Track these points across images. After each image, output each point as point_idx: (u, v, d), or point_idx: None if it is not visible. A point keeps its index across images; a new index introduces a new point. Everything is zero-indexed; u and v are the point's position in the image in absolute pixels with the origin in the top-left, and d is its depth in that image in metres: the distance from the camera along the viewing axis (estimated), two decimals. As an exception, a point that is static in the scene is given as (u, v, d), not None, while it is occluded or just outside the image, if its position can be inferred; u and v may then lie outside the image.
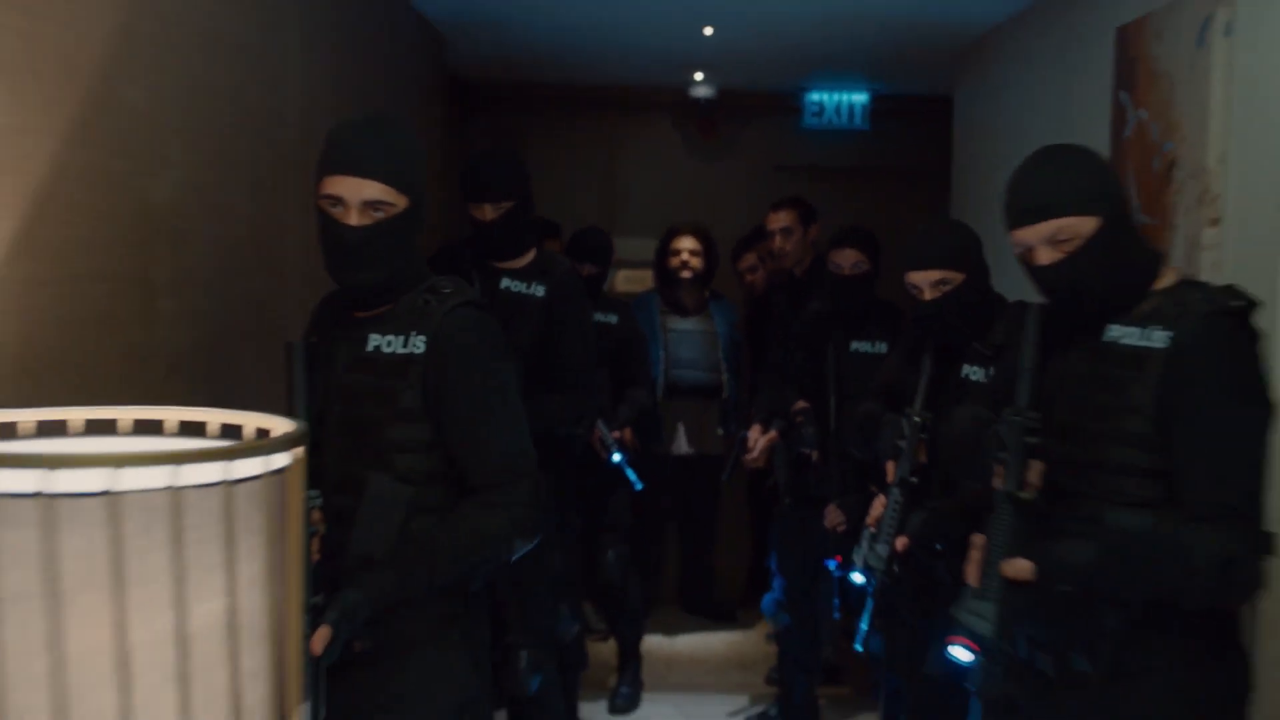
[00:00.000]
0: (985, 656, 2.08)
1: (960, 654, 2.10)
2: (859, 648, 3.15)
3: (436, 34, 5.69)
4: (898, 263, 3.08)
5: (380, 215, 2.18)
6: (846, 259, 4.03)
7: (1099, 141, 3.94)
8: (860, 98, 7.35)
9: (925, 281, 2.97)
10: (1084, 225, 2.12)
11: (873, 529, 3.03)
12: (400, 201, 2.19)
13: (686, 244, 5.49)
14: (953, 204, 5.96)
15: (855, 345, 4.04)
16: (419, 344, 2.21)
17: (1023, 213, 2.16)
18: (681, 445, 5.63)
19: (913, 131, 7.41)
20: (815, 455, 4.26)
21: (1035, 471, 2.14)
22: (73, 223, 2.18)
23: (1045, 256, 2.15)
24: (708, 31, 5.71)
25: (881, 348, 3.98)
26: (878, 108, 7.40)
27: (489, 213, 3.43)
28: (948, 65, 6.08)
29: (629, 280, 7.17)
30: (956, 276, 2.96)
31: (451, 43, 5.91)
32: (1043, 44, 4.78)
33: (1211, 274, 3.15)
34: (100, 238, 2.29)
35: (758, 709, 4.95)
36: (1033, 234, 2.15)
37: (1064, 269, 2.14)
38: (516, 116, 7.57)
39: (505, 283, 3.48)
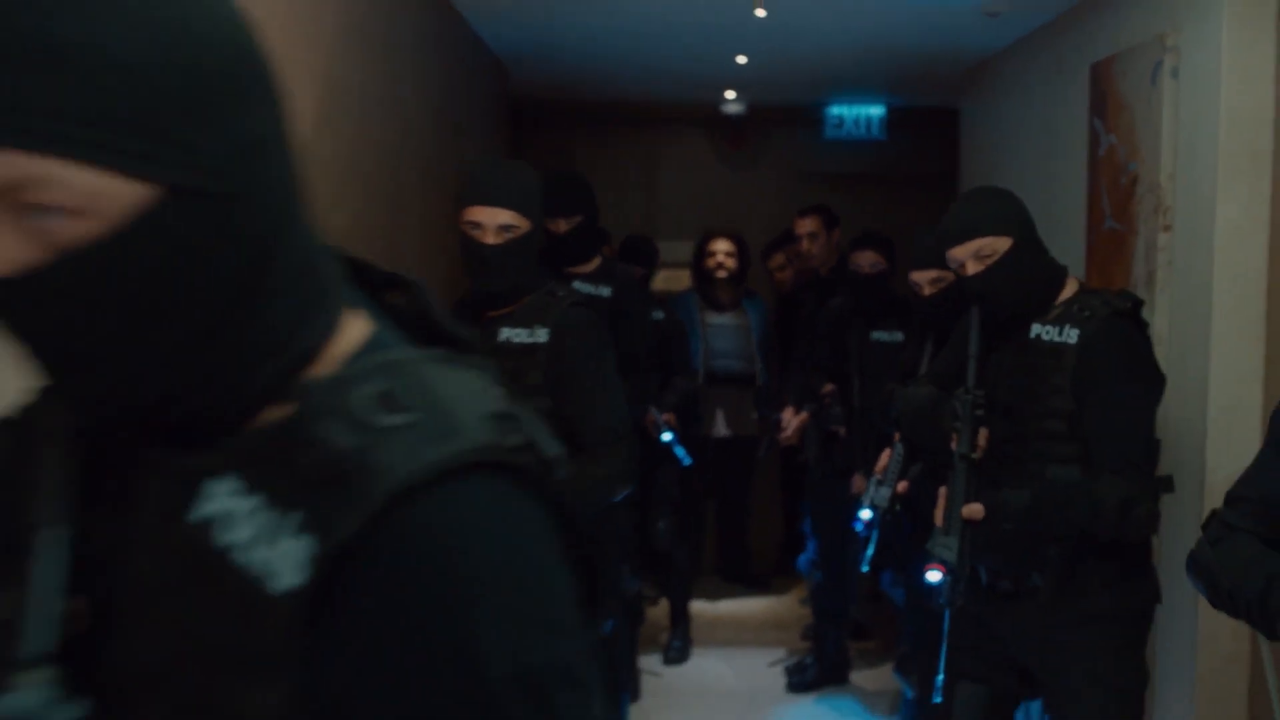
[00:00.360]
0: (950, 576, 2.69)
1: (933, 576, 2.73)
2: (865, 568, 3.78)
3: (500, 64, 6.34)
4: (936, 245, 3.02)
5: (510, 236, 2.81)
6: (866, 259, 4.63)
7: (1078, 158, 4.54)
8: (877, 110, 7.90)
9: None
10: (1000, 244, 2.73)
11: (879, 476, 3.68)
12: (524, 224, 2.84)
13: (722, 246, 5.92)
14: None
15: (875, 335, 4.55)
16: (542, 335, 2.83)
17: (955, 235, 2.77)
18: (720, 428, 6.00)
19: (924, 141, 7.85)
20: (843, 431, 4.85)
21: (983, 437, 2.76)
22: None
23: (971, 268, 2.76)
24: (741, 60, 6.31)
25: (898, 336, 4.48)
26: (892, 119, 7.90)
27: (562, 226, 3.93)
28: (954, 82, 6.59)
29: (667, 280, 7.60)
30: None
31: (511, 70, 6.54)
32: (1032, 72, 5.33)
33: (1164, 269, 3.73)
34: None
35: (795, 659, 5.40)
36: (962, 251, 2.76)
37: (985, 277, 2.75)
38: (565, 133, 8.08)
39: (577, 285, 3.97)
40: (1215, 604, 2.15)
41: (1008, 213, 2.78)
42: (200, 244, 0.80)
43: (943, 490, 2.75)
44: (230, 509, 0.82)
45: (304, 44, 2.93)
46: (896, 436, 3.68)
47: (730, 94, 7.58)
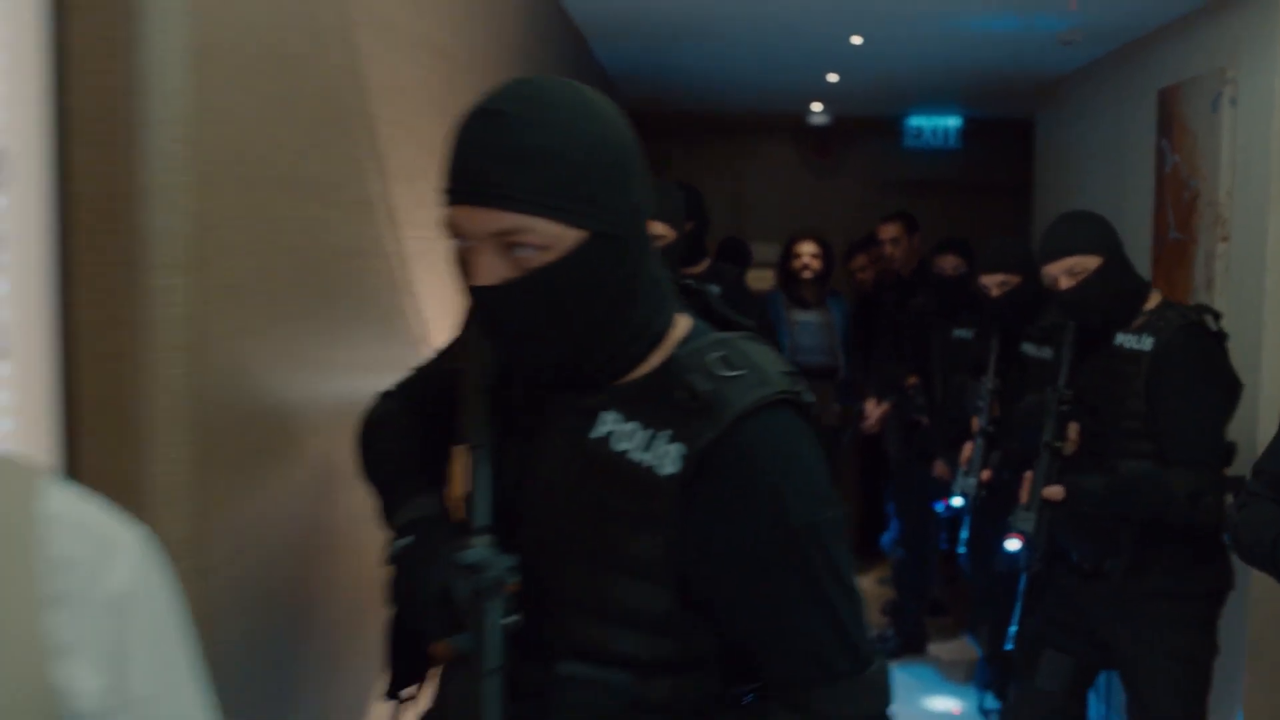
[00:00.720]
0: (1028, 546, 3.13)
1: (1012, 544, 3.19)
2: (961, 549, 4.29)
3: (610, 80, 6.89)
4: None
5: (658, 245, 3.33)
6: (949, 263, 5.10)
7: (1146, 174, 5.00)
8: (954, 122, 8.36)
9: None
10: (1090, 262, 3.09)
11: (964, 466, 4.17)
12: (671, 234, 3.35)
13: (807, 248, 6.30)
14: (1036, 216, 6.88)
15: (956, 333, 4.96)
16: None
17: (1050, 252, 3.15)
18: (804, 419, 6.53)
19: (998, 151, 8.28)
20: (924, 420, 5.33)
21: (1074, 431, 3.15)
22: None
23: (1064, 283, 3.12)
24: (832, 79, 6.81)
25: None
26: (968, 130, 8.37)
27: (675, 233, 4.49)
28: (1028, 96, 7.02)
29: (754, 280, 8.10)
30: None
31: (619, 85, 7.08)
32: (1103, 92, 5.77)
33: (1221, 276, 4.19)
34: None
35: (875, 633, 5.90)
36: (1056, 267, 3.12)
37: (1076, 292, 3.10)
38: (662, 142, 8.62)
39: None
40: (1241, 557, 2.58)
41: (1098, 234, 3.15)
42: (606, 268, 1.36)
43: (1028, 473, 3.18)
44: (618, 429, 1.36)
45: (440, 64, 3.44)
46: (975, 427, 4.17)
47: (817, 106, 8.08)
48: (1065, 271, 3.12)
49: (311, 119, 1.93)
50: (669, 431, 1.33)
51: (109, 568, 0.99)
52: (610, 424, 1.37)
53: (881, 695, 1.43)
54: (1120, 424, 3.11)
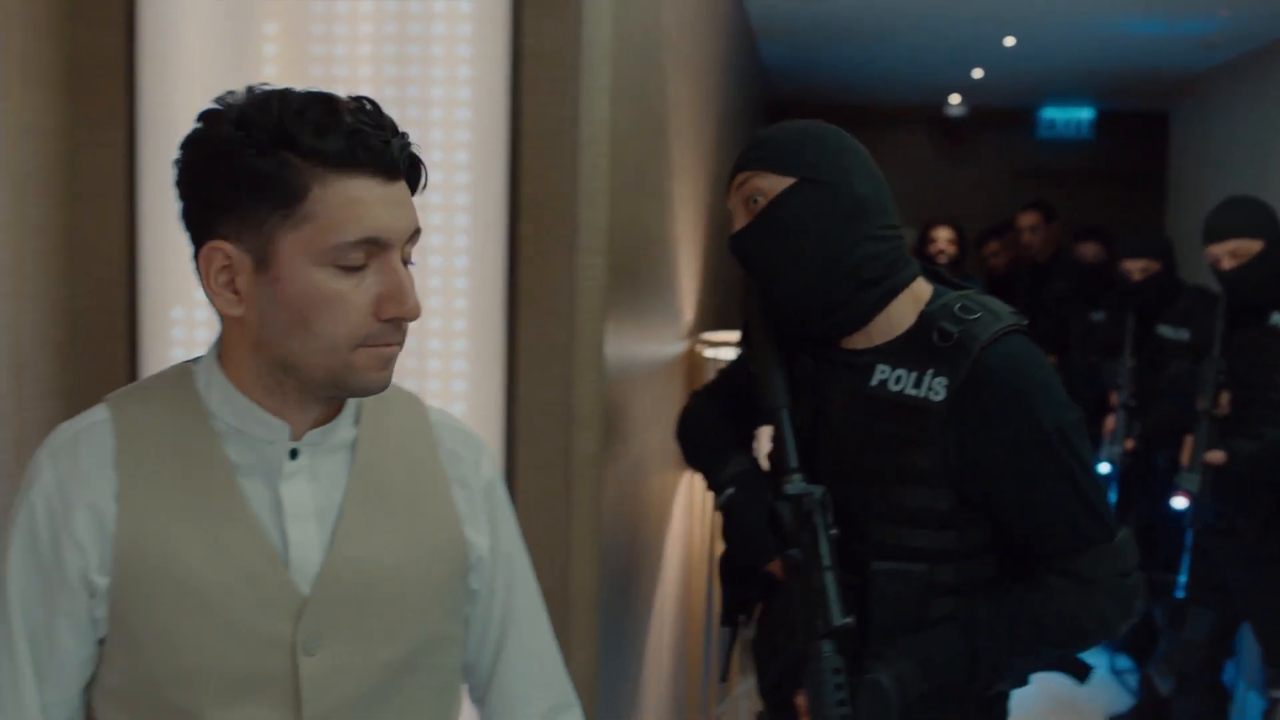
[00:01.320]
0: (1193, 502, 3.56)
1: (1179, 502, 3.62)
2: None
3: (768, 74, 7.34)
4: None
5: None
6: (1089, 250, 5.46)
7: (1286, 170, 5.34)
8: (1087, 113, 8.66)
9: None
10: (1253, 246, 3.46)
11: (1108, 437, 4.58)
12: None
13: (943, 234, 6.54)
14: (1169, 207, 7.20)
15: (1094, 315, 5.35)
16: None
17: (1214, 234, 3.51)
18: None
19: (1132, 142, 8.53)
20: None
21: (1224, 399, 3.54)
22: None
23: (1226, 264, 3.49)
24: (977, 74, 7.20)
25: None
26: (1102, 121, 8.67)
27: None
28: (1163, 90, 7.32)
29: None
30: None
31: (773, 78, 7.53)
32: (1247, 90, 6.09)
33: None
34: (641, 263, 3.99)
35: None
36: (1219, 249, 3.49)
37: (1238, 272, 3.48)
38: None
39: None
40: None
41: (1261, 220, 3.51)
42: (812, 204, 1.78)
43: (1189, 438, 3.60)
44: (890, 375, 1.77)
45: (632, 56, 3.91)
46: (1114, 402, 4.58)
47: (955, 99, 8.44)
48: (1229, 253, 3.49)
49: (650, 132, 2.43)
50: (931, 369, 1.74)
51: (482, 461, 1.41)
52: (883, 373, 1.78)
53: (1130, 556, 1.79)
54: (1268, 394, 3.49)
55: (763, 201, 1.80)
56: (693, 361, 3.21)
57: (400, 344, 1.24)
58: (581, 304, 1.99)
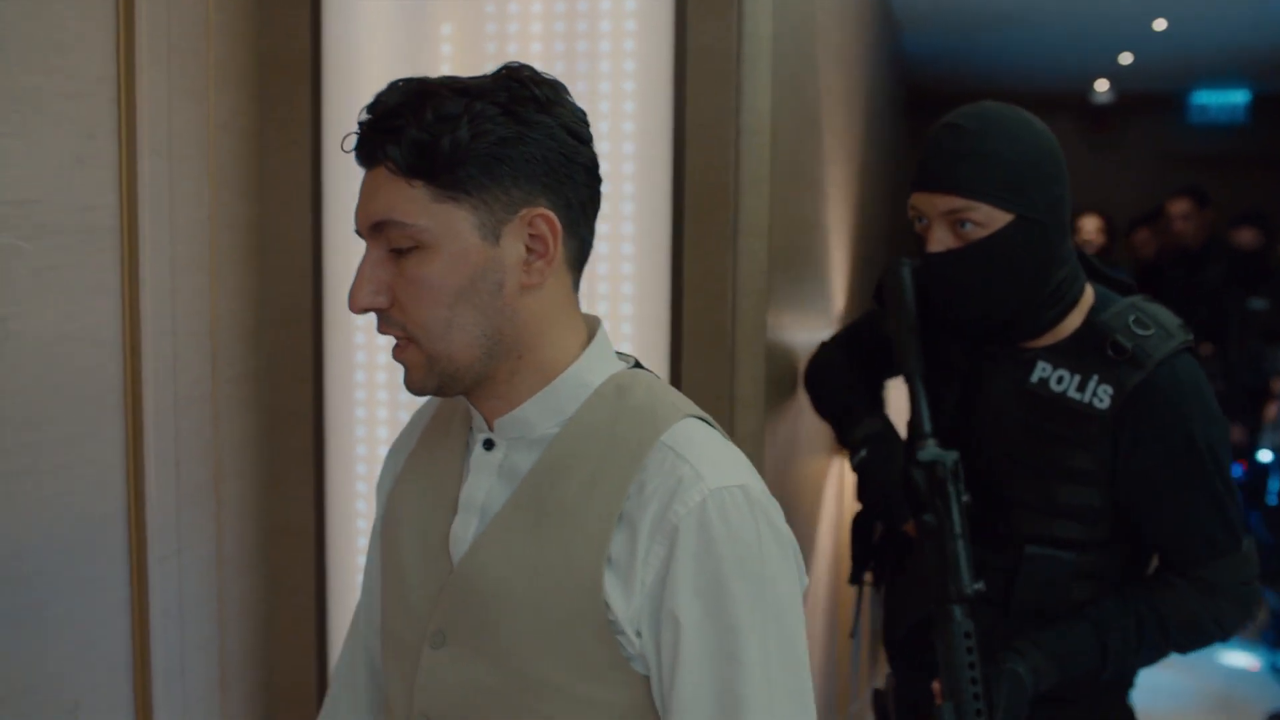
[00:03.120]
0: None
1: None
2: (1272, 501, 4.62)
3: (906, 60, 7.32)
4: None
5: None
6: (1246, 236, 5.36)
7: None
8: (1241, 97, 8.42)
9: None
10: None
11: (1270, 423, 4.50)
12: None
13: (1090, 224, 6.58)
14: None
15: (1252, 303, 5.29)
16: None
17: None
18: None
19: None
20: (1221, 387, 5.60)
21: None
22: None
23: None
24: (1125, 59, 7.07)
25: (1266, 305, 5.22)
26: (1258, 104, 8.42)
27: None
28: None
29: None
30: None
31: (912, 66, 7.51)
32: None
33: None
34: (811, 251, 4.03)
35: None
36: None
37: None
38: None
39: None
40: None
41: None
42: (1028, 245, 1.79)
43: None
44: (1051, 375, 1.83)
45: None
46: (1275, 388, 4.49)
47: (1102, 85, 8.29)
48: None
49: (803, 122, 2.48)
50: (1096, 376, 1.81)
51: (678, 503, 1.12)
52: (1043, 371, 1.84)
53: (1253, 565, 1.87)
54: None
55: (976, 231, 1.80)
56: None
57: (395, 335, 1.17)
58: (744, 288, 2.05)
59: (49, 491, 1.74)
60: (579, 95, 2.03)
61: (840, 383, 2.23)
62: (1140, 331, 1.81)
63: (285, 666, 2.33)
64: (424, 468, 1.29)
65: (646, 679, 1.16)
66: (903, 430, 2.05)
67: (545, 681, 1.15)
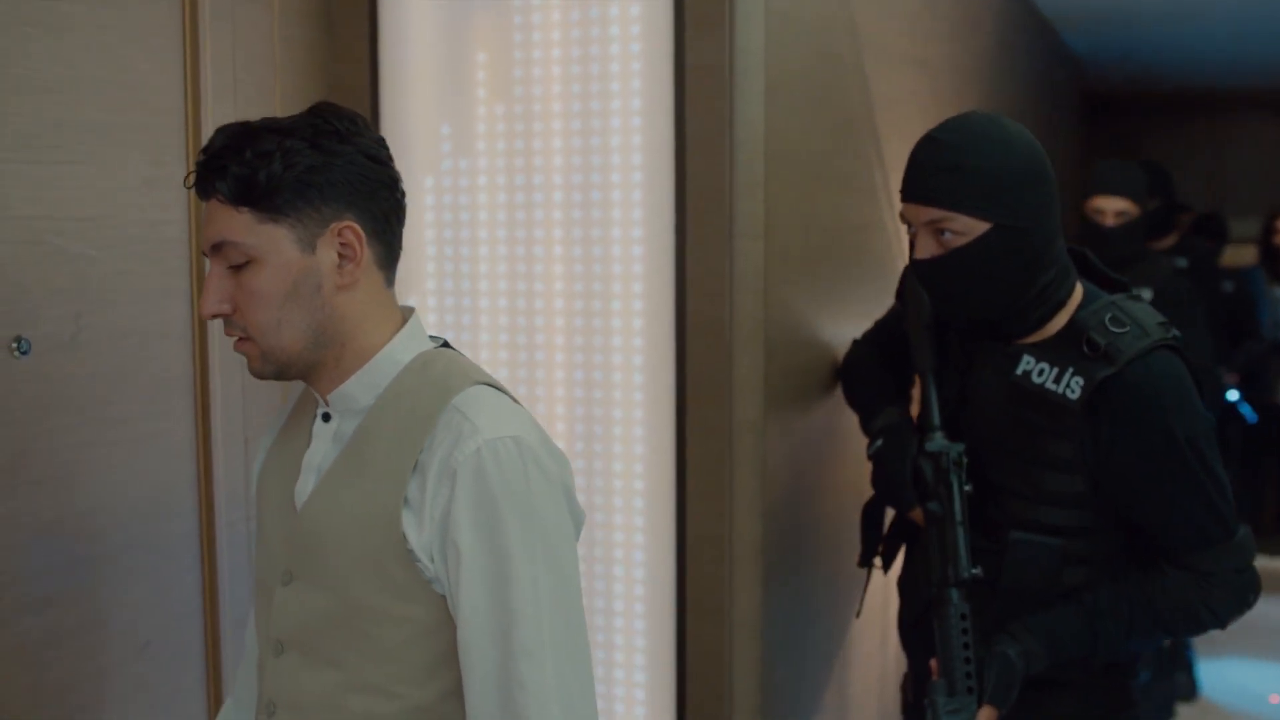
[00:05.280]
0: None
1: None
2: None
3: (1078, 63, 7.21)
4: None
5: (1125, 219, 3.79)
6: None
7: None
8: None
9: None
10: None
11: None
12: (1135, 210, 3.78)
13: None
14: None
15: None
16: (1147, 293, 3.77)
17: None
18: (1286, 395, 6.33)
19: None
20: None
21: None
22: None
23: None
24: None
25: None
26: None
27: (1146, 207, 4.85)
28: None
29: (1234, 255, 8.01)
30: None
31: (1087, 67, 7.38)
32: None
33: None
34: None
35: None
36: None
37: None
38: (1133, 122, 8.77)
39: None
40: None
41: None
42: (1008, 251, 1.88)
43: None
44: (1034, 368, 1.92)
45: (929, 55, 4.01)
46: None
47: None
48: None
49: (834, 128, 2.62)
50: (1072, 369, 1.89)
51: (459, 451, 1.36)
52: (1027, 364, 1.93)
53: (1247, 553, 1.93)
54: None
55: (956, 240, 1.90)
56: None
57: (242, 337, 1.42)
58: (740, 284, 2.22)
59: (119, 460, 2.07)
60: (593, 114, 2.26)
61: (866, 377, 2.39)
62: (1115, 329, 1.88)
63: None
64: (280, 445, 1.57)
65: (444, 597, 1.39)
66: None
67: (368, 605, 1.39)
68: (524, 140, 2.36)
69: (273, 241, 1.38)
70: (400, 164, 2.37)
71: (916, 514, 2.12)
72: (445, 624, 1.40)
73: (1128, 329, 1.88)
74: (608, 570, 2.37)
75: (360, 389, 1.46)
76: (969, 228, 1.88)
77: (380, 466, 1.40)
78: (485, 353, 2.45)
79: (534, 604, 1.33)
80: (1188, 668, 4.81)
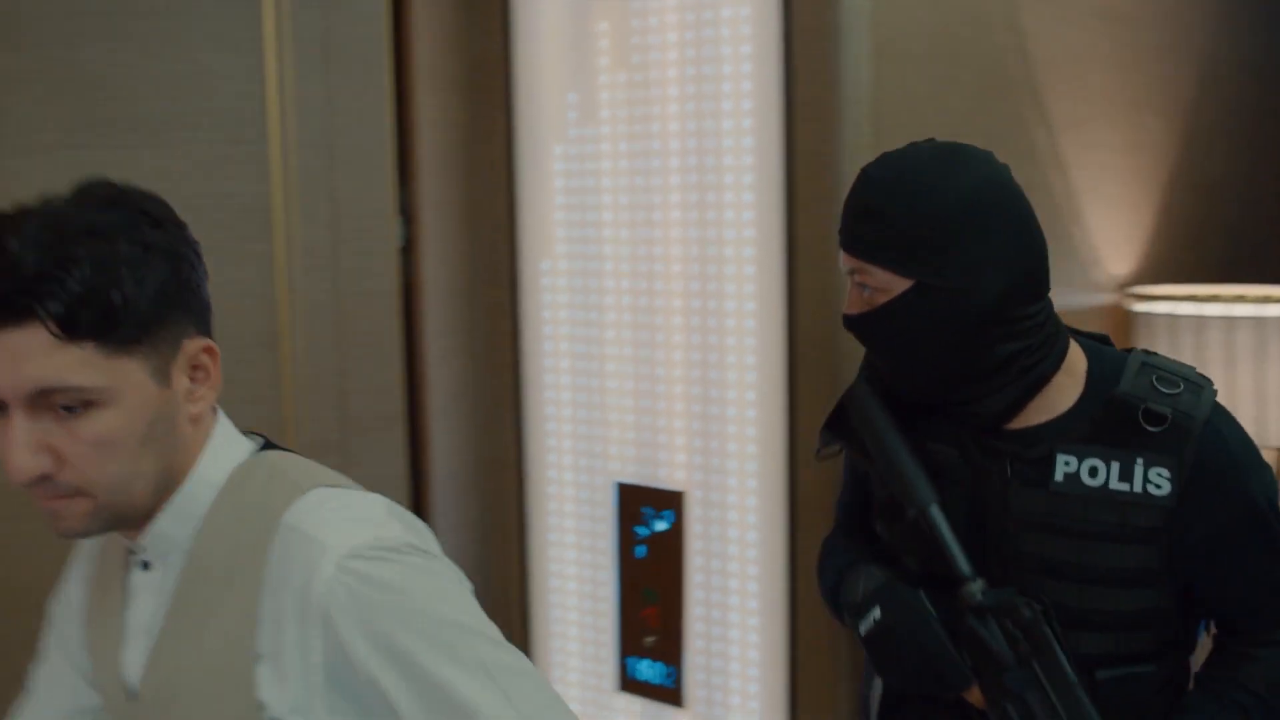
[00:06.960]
0: None
1: None
2: None
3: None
4: None
5: None
6: None
7: None
8: None
9: None
10: None
11: None
12: None
13: None
14: None
15: None
16: None
17: None
18: None
19: None
20: None
21: None
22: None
23: None
24: None
25: None
26: None
27: None
28: None
29: None
30: None
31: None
32: None
33: None
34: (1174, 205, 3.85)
35: None
36: None
37: None
38: None
39: None
40: None
41: None
42: (932, 311, 1.52)
43: None
44: (1079, 468, 1.54)
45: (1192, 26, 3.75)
46: None
47: None
48: None
49: (976, 87, 2.53)
50: (1141, 459, 1.54)
51: (317, 573, 1.10)
52: (1068, 465, 1.56)
53: None
54: None
55: (876, 296, 1.58)
56: (1116, 317, 3.16)
57: (58, 498, 1.09)
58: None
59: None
60: (705, 79, 2.28)
61: (838, 562, 1.84)
62: (1168, 390, 1.56)
63: (496, 574, 2.75)
64: (96, 602, 1.28)
65: None
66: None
67: None
68: (643, 107, 2.40)
69: (127, 378, 1.08)
70: (532, 133, 2.50)
71: (974, 695, 1.63)
72: None
73: (1181, 389, 1.56)
74: (724, 600, 2.41)
75: (173, 524, 1.17)
76: (887, 283, 1.56)
77: (218, 619, 1.14)
78: (610, 314, 2.51)
79: (483, 688, 1.11)
80: None
